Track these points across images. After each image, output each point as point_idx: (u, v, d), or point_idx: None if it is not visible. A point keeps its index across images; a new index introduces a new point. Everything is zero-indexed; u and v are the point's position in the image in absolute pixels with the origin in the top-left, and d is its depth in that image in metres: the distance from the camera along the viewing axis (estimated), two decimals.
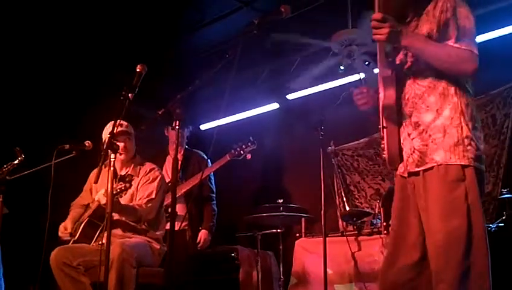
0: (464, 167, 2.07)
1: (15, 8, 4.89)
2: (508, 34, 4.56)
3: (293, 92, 5.75)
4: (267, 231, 4.62)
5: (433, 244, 2.07)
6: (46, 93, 5.63)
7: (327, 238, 3.62)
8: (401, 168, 2.26)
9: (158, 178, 3.83)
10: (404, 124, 2.22)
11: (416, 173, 2.17)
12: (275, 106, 6.05)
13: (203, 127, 6.48)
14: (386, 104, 2.22)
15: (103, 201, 3.52)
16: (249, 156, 4.53)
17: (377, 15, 2.08)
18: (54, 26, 5.12)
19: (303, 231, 4.43)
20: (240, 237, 5.11)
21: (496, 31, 4.55)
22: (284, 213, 4.30)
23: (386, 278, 2.24)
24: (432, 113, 2.14)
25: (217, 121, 5.86)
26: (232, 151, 4.53)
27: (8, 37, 5.10)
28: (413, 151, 2.17)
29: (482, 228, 2.05)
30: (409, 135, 2.20)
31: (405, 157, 2.22)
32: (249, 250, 4.71)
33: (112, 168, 2.85)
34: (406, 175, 2.23)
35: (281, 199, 4.42)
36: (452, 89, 2.14)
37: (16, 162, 3.55)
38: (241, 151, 4.51)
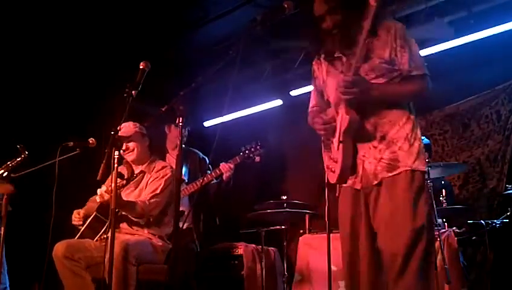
0: (422, 173, 2.34)
1: (22, 8, 4.90)
2: None
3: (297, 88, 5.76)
4: (271, 228, 4.62)
5: (400, 242, 2.23)
6: (50, 91, 5.65)
7: (331, 235, 3.62)
8: (351, 181, 2.42)
9: (167, 176, 3.84)
10: (365, 138, 2.38)
11: (379, 182, 2.33)
12: (278, 102, 6.05)
13: (206, 124, 6.48)
14: (352, 119, 2.33)
15: (100, 199, 3.56)
16: (257, 159, 4.53)
17: (349, 78, 2.29)
18: (60, 25, 5.13)
19: (307, 227, 4.43)
20: (244, 233, 5.10)
21: (500, 26, 4.53)
22: (287, 210, 4.31)
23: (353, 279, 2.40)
24: (396, 126, 2.37)
25: (221, 117, 5.85)
26: (241, 153, 4.53)
27: (16, 37, 5.12)
28: (380, 160, 2.34)
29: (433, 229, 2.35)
30: (374, 147, 2.36)
31: (370, 168, 2.36)
32: (253, 247, 4.71)
33: (115, 165, 2.85)
34: (358, 187, 2.39)
35: (284, 195, 4.42)
36: (407, 108, 2.41)
37: (19, 159, 3.56)
38: (251, 154, 4.51)
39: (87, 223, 3.76)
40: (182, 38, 5.60)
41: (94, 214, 3.75)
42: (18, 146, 3.61)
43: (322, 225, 4.16)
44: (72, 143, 3.57)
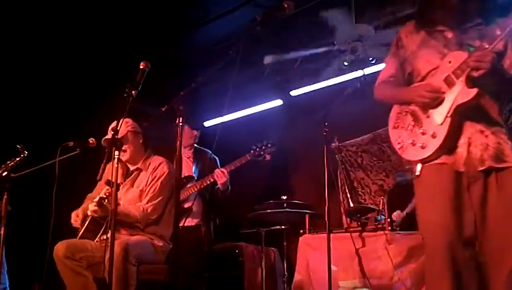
0: None
1: (22, 8, 4.90)
2: None
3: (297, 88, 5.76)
4: (271, 228, 4.62)
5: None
6: (50, 91, 5.65)
7: (331, 235, 3.62)
8: (448, 160, 2.28)
9: (164, 175, 3.82)
10: (474, 119, 2.29)
11: (485, 169, 2.24)
12: (278, 102, 6.05)
13: (206, 124, 6.48)
14: (478, 94, 2.24)
15: (92, 213, 3.58)
16: (268, 157, 4.50)
17: (491, 51, 2.18)
18: (60, 26, 5.13)
19: (307, 227, 4.43)
20: (244, 233, 5.10)
21: None
22: (288, 209, 4.30)
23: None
24: (500, 118, 2.32)
25: (221, 117, 5.86)
26: (252, 151, 4.51)
27: (16, 37, 5.12)
28: (487, 147, 2.26)
29: None
30: (481, 131, 2.29)
31: (476, 152, 2.26)
32: (253, 247, 4.71)
33: (116, 165, 2.85)
34: (462, 170, 2.26)
35: (284, 195, 4.41)
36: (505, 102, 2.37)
37: (19, 159, 3.57)
38: (261, 152, 4.49)
39: (84, 227, 3.75)
40: (182, 38, 5.60)
41: (90, 217, 3.74)
42: (18, 146, 3.62)
43: (322, 225, 4.17)
44: (72, 143, 3.57)
